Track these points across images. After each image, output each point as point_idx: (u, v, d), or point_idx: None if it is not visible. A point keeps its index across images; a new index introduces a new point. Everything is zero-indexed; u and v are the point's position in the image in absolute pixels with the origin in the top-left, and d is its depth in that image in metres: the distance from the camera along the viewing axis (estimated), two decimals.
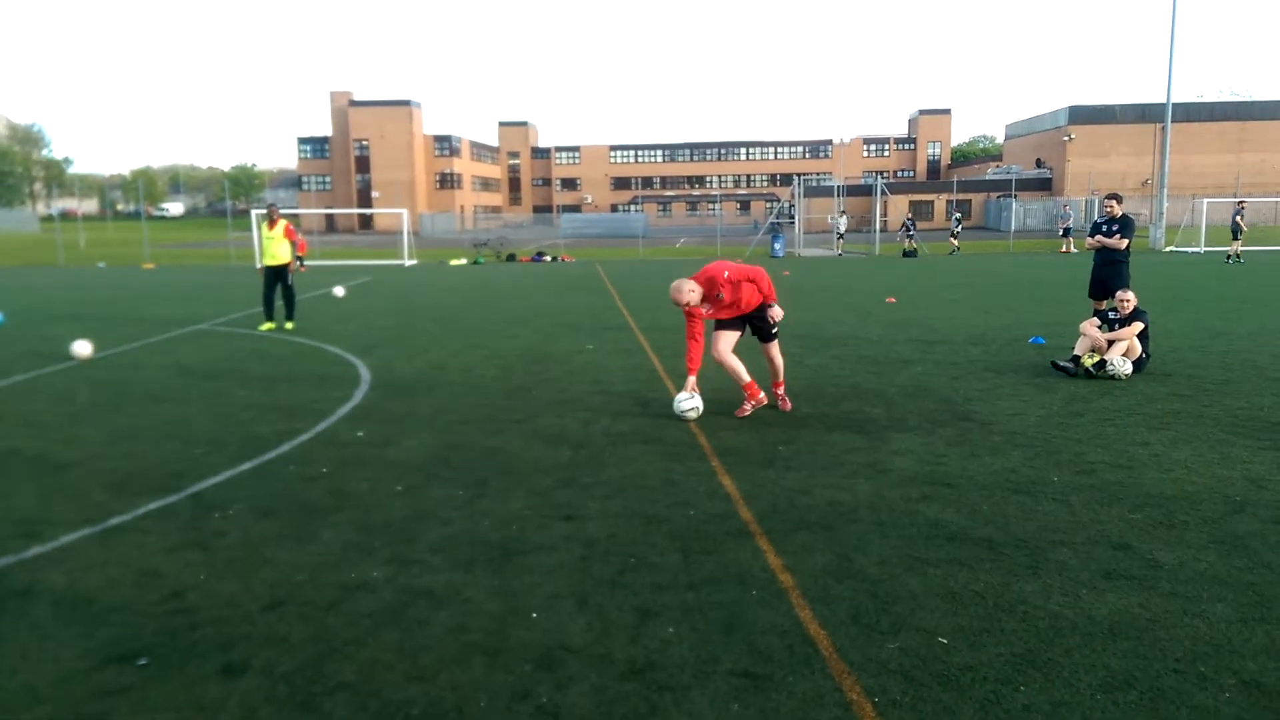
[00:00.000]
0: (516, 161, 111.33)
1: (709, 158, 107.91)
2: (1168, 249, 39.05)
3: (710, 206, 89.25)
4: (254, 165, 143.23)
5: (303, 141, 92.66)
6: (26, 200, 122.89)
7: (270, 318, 15.28)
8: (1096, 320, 9.92)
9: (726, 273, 7.72)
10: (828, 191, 65.25)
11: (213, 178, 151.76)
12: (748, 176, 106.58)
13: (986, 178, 73.50)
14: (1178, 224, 44.46)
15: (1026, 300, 18.10)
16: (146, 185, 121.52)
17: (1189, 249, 38.20)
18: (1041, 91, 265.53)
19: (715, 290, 7.72)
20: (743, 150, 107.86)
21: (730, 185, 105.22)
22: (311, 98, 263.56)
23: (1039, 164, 72.40)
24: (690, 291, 7.66)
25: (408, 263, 37.85)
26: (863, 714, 3.24)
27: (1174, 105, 42.90)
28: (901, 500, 5.57)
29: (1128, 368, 9.28)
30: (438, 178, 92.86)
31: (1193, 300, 17.42)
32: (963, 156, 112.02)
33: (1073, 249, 37.73)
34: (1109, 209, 11.21)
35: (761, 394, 8.10)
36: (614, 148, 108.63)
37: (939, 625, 3.89)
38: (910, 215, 44.14)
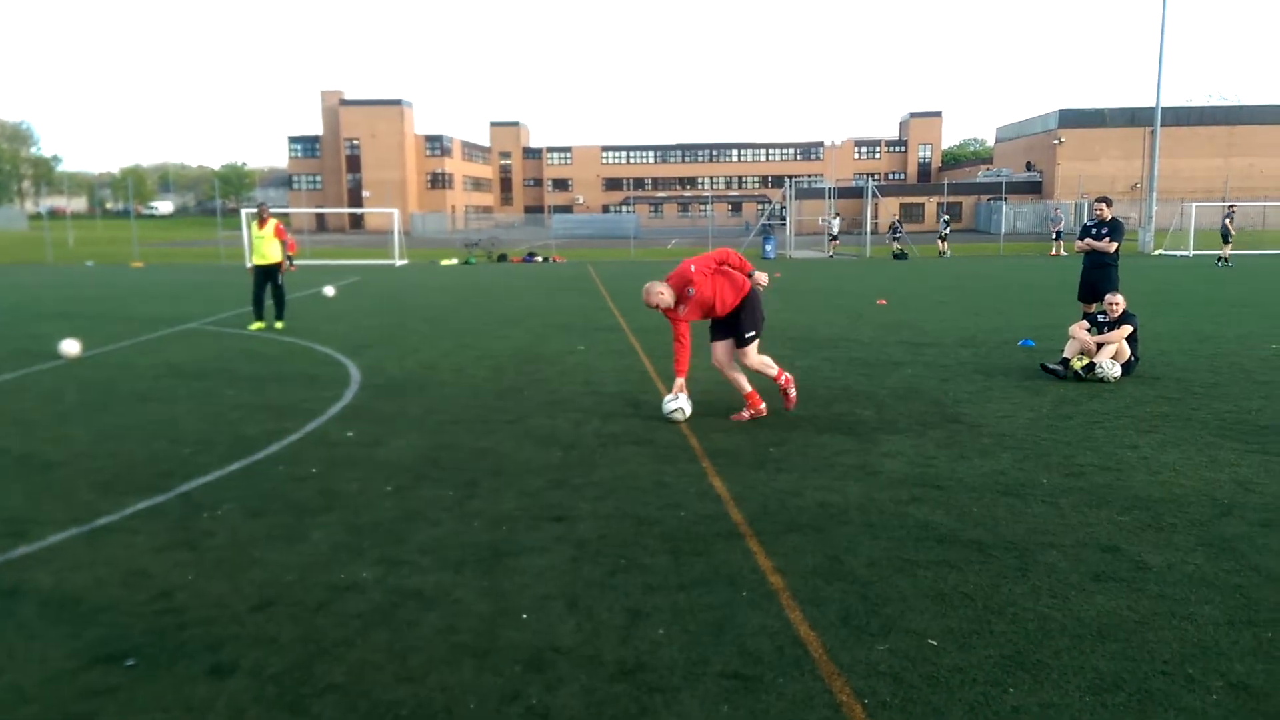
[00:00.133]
0: (508, 162, 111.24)
1: (701, 159, 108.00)
2: (1157, 252, 39.24)
3: (702, 208, 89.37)
4: (244, 164, 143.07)
5: (293, 140, 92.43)
6: (15, 198, 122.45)
7: (260, 317, 15.23)
8: (1085, 323, 9.96)
9: (693, 267, 7.64)
10: (819, 193, 65.37)
11: (202, 176, 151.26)
12: (739, 178, 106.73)
13: (977, 180, 73.74)
14: (1167, 228, 44.66)
15: (1016, 303, 18.17)
16: (136, 183, 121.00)
17: (1178, 252, 38.40)
18: (1032, 95, 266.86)
19: (686, 288, 7.65)
20: (734, 152, 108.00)
21: (722, 187, 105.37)
22: (302, 97, 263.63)
23: (1029, 167, 72.68)
24: (659, 293, 7.64)
25: (398, 263, 37.78)
26: (852, 715, 3.24)
27: (1163, 109, 43.13)
28: (891, 502, 5.59)
29: (1116, 371, 9.32)
30: (429, 177, 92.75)
31: (1181, 304, 17.51)
32: (953, 159, 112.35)
33: (1062, 251, 37.88)
34: (1098, 212, 11.27)
35: (763, 405, 7.92)
36: (606, 148, 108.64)
37: (928, 627, 3.90)
38: (897, 218, 44.21)
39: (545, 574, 4.56)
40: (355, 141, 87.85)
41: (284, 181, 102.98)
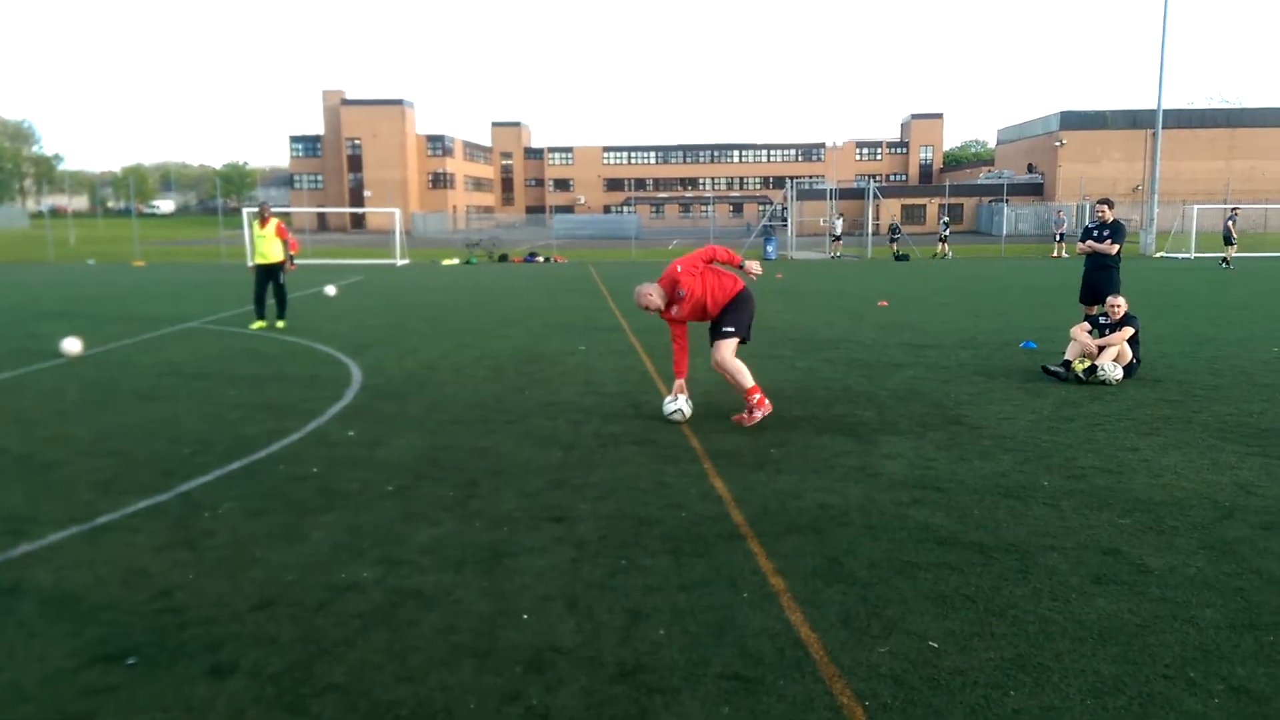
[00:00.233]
0: (509, 162, 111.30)
1: (702, 160, 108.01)
2: (1158, 255, 39.24)
3: (703, 208, 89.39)
4: (246, 163, 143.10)
5: (295, 140, 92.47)
6: (16, 196, 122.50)
7: (261, 316, 15.23)
8: (1087, 325, 9.96)
9: (680, 267, 7.62)
10: (820, 194, 65.41)
11: (204, 175, 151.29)
12: (740, 179, 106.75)
13: (978, 182, 73.76)
14: (1168, 230, 44.65)
15: (1017, 305, 18.16)
16: (137, 182, 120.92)
17: (1179, 255, 38.40)
18: (1033, 97, 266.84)
19: (675, 289, 7.63)
20: (736, 153, 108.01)
21: (723, 187, 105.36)
22: (304, 96, 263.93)
23: (1030, 169, 72.66)
24: (649, 295, 7.64)
25: (400, 262, 37.79)
26: (853, 717, 3.24)
27: (1165, 112, 43.10)
28: (892, 504, 5.58)
29: (1118, 373, 9.31)
30: (430, 177, 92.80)
31: (1183, 306, 17.50)
32: (955, 161, 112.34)
33: (1063, 253, 37.88)
34: (1100, 214, 11.26)
35: (768, 403, 7.72)
36: (607, 149, 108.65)
37: (929, 629, 3.90)
38: (895, 219, 44.22)
39: (545, 574, 4.55)
40: (357, 141, 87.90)
41: (285, 181, 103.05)
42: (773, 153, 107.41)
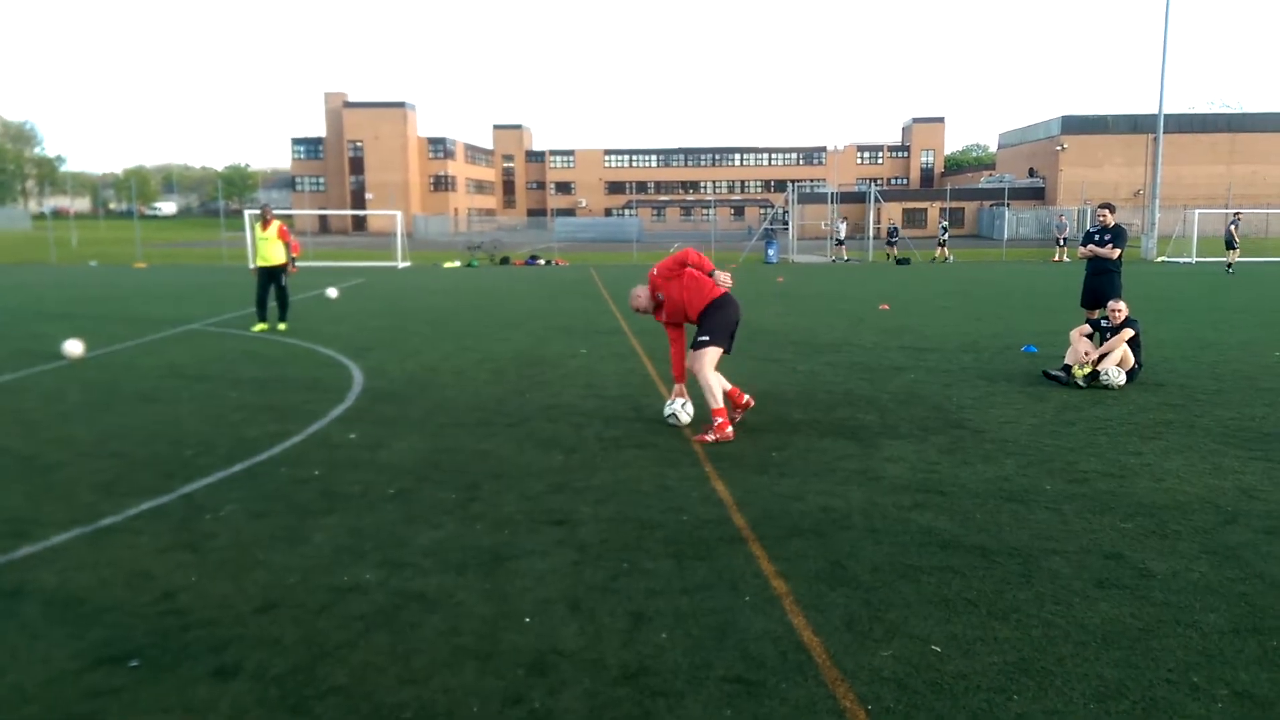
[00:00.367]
0: (511, 165, 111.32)
1: (703, 163, 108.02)
2: (1159, 259, 39.23)
3: (704, 212, 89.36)
4: (247, 165, 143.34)
5: (296, 142, 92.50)
6: (18, 198, 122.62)
7: (263, 318, 15.24)
8: (1087, 328, 9.95)
9: (654, 270, 7.57)
10: (822, 198, 65.40)
11: (206, 177, 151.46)
12: (742, 182, 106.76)
13: (980, 186, 73.73)
14: (1169, 234, 44.65)
15: (1019, 309, 18.16)
16: (139, 184, 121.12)
17: (1180, 259, 38.39)
18: (1035, 101, 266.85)
19: (656, 292, 7.60)
20: (737, 156, 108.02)
21: (724, 191, 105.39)
22: (306, 99, 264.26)
23: (1032, 173, 72.66)
24: (638, 297, 7.68)
25: (401, 265, 37.80)
26: None
27: (1166, 116, 43.12)
28: (894, 507, 5.58)
29: (1121, 378, 9.30)
30: (432, 180, 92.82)
31: (1184, 310, 17.50)
32: (956, 165, 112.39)
33: (1065, 258, 37.88)
34: (1101, 218, 11.24)
35: (730, 431, 7.27)
36: (608, 152, 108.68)
37: (932, 633, 3.89)
38: (893, 223, 44.25)
39: (547, 577, 4.55)
40: (358, 143, 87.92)
41: (287, 183, 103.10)
42: (774, 156, 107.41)
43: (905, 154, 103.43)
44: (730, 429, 7.31)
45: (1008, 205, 56.23)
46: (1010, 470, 6.37)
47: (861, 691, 3.43)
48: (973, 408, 8.47)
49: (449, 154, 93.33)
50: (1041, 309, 17.97)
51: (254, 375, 10.55)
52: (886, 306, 18.52)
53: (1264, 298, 20.31)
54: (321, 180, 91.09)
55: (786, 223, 50.26)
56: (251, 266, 15.85)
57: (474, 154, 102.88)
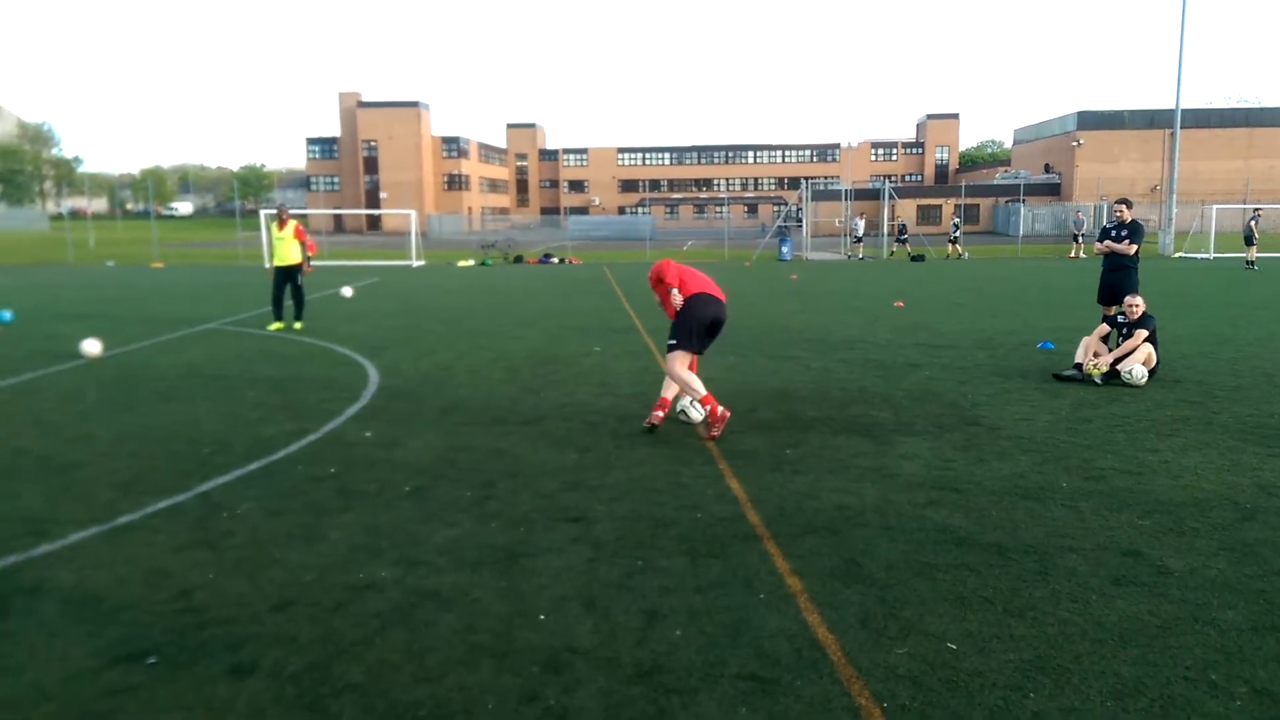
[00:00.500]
0: (524, 163, 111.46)
1: (716, 161, 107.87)
2: (1176, 255, 38.95)
3: (718, 209, 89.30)
4: (263, 165, 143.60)
5: (311, 142, 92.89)
6: (36, 199, 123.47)
7: (279, 318, 15.31)
8: (1105, 328, 9.86)
9: (649, 274, 7.61)
10: (835, 195, 65.21)
11: (222, 178, 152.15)
12: (755, 180, 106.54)
13: (995, 182, 73.40)
14: (1187, 230, 44.33)
15: (1035, 305, 18.07)
16: (156, 185, 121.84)
17: (1198, 255, 38.10)
18: (1050, 97, 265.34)
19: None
20: (750, 153, 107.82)
21: (737, 188, 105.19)
22: (320, 98, 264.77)
23: (1047, 169, 72.29)
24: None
25: (415, 264, 37.91)
26: (871, 719, 3.23)
27: (1183, 111, 42.82)
28: (909, 505, 5.56)
29: (1144, 376, 9.19)
30: (445, 179, 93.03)
31: (1201, 306, 17.37)
32: (970, 161, 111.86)
33: (1081, 254, 37.66)
34: (1119, 214, 11.17)
35: (720, 408, 7.22)
36: (621, 150, 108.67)
37: (948, 630, 3.88)
38: (901, 220, 44.11)
39: (562, 575, 4.56)
40: (373, 143, 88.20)
41: (302, 183, 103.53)
42: (787, 153, 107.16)
43: (920, 150, 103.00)
44: (722, 408, 7.24)
45: (1023, 201, 55.91)
46: (1026, 467, 6.34)
47: (877, 689, 3.42)
48: (988, 405, 8.44)
49: (463, 153, 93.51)
50: (1058, 305, 17.86)
51: (270, 374, 10.60)
52: (901, 304, 18.45)
53: None
54: (336, 180, 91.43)
55: (800, 220, 50.12)
56: (268, 266, 15.92)
57: (487, 153, 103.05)
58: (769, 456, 6.71)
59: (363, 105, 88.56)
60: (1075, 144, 66.65)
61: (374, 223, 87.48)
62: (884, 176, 79.78)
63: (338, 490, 6.00)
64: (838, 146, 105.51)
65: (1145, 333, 9.45)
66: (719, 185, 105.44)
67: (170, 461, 6.76)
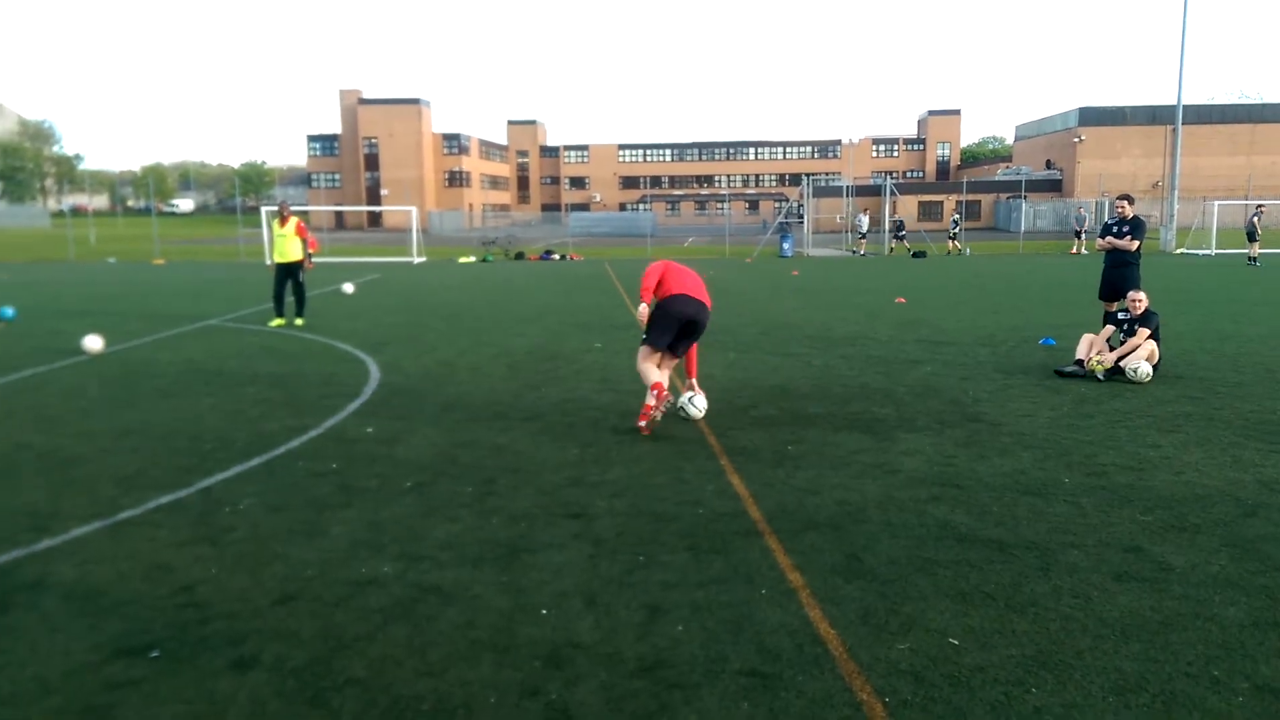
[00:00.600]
0: (525, 160, 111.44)
1: (717, 157, 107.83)
2: (1178, 251, 38.91)
3: (719, 206, 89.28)
4: (264, 162, 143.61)
5: (312, 139, 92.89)
6: (38, 196, 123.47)
7: (280, 314, 15.32)
8: (1109, 330, 9.84)
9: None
10: (836, 191, 65.19)
11: (223, 175, 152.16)
12: (756, 176, 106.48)
13: (996, 179, 73.33)
14: (1188, 226, 44.28)
15: (1036, 301, 18.05)
16: (157, 181, 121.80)
17: (1199, 251, 38.06)
18: (1051, 93, 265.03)
19: None
20: (751, 150, 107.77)
21: (739, 185, 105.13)
22: (321, 96, 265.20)
23: (1049, 165, 72.24)
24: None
25: (416, 260, 37.90)
26: (873, 714, 3.23)
27: (1185, 107, 42.75)
28: (911, 501, 5.56)
29: (1149, 373, 9.16)
30: (446, 176, 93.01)
31: (1203, 302, 17.35)
32: (972, 157, 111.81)
33: (1083, 250, 37.62)
34: (1120, 210, 11.16)
35: (651, 404, 7.36)
36: (622, 147, 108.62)
37: (949, 626, 3.88)
38: (898, 217, 44.12)
39: (564, 570, 4.56)
40: (373, 140, 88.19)
41: (303, 180, 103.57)
42: (789, 150, 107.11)
43: (921, 147, 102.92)
44: (655, 409, 7.33)
45: (1025, 198, 55.89)
46: (1028, 463, 6.33)
47: (878, 684, 3.42)
48: (990, 401, 8.43)
49: (463, 150, 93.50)
50: (1059, 302, 17.85)
51: (271, 370, 10.60)
52: (903, 300, 18.44)
53: None
54: (337, 177, 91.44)
55: (801, 216, 50.11)
56: (269, 263, 15.92)
57: (488, 150, 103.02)
58: (770, 452, 6.71)
59: (364, 102, 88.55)
60: (1077, 140, 66.60)
61: (375, 219, 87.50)
62: (885, 173, 79.67)
63: (339, 486, 6.00)
64: (839, 143, 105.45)
65: (1148, 331, 9.44)
66: (720, 182, 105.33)
67: (172, 457, 6.77)
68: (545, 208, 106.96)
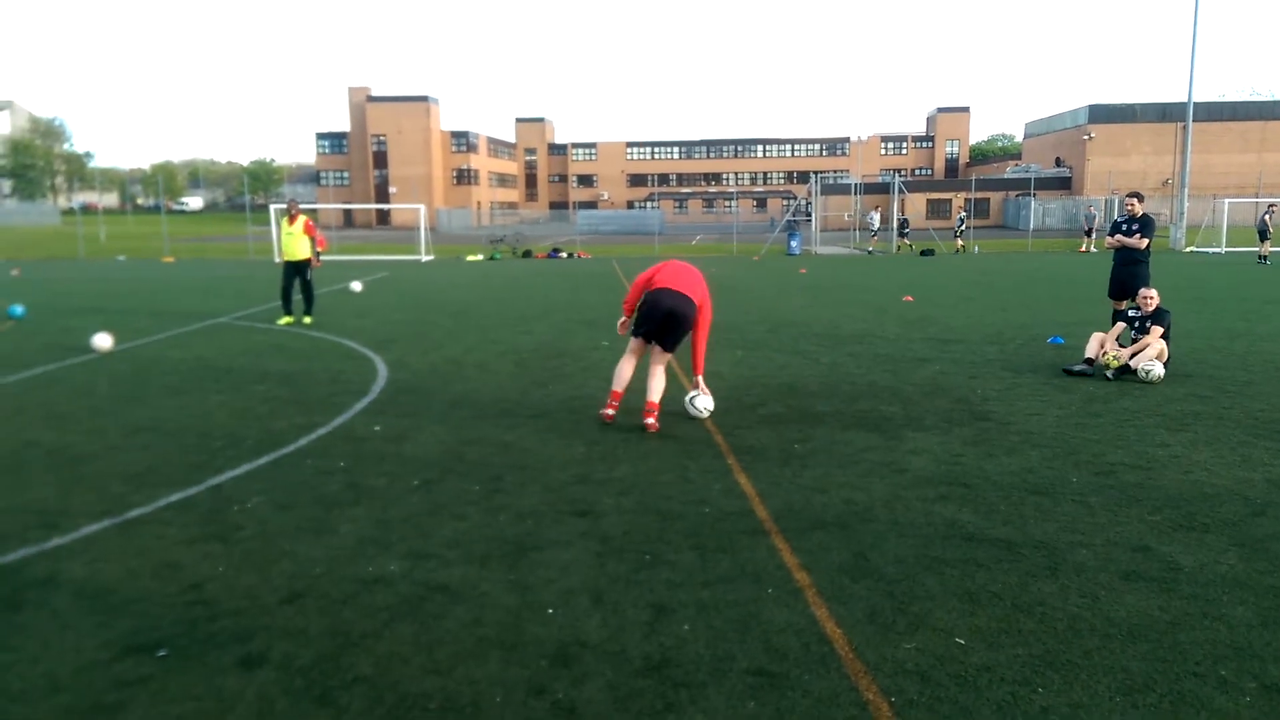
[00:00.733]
0: (533, 158, 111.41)
1: (725, 155, 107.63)
2: (1188, 249, 38.73)
3: (727, 204, 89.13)
4: (273, 160, 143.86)
5: (321, 137, 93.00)
6: (48, 193, 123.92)
7: (289, 312, 15.35)
8: (1121, 327, 9.80)
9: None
10: (845, 189, 65.00)
11: (232, 172, 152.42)
12: (764, 174, 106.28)
13: (1005, 176, 73.06)
14: (1198, 224, 44.08)
15: (1045, 299, 17.99)
16: (166, 179, 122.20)
17: (1210, 249, 37.87)
18: (1061, 90, 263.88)
19: None
20: (759, 147, 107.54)
21: (747, 183, 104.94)
22: (330, 93, 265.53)
23: (1058, 163, 71.92)
24: None
25: (424, 258, 37.95)
26: (879, 714, 3.23)
27: (1195, 104, 42.53)
28: (918, 500, 5.55)
29: (1161, 372, 9.13)
30: (455, 173, 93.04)
31: (1213, 301, 17.27)
32: (981, 155, 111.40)
33: (1092, 248, 37.48)
34: (1130, 208, 11.12)
35: (612, 413, 7.63)
36: (630, 144, 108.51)
37: (956, 625, 3.88)
38: (903, 216, 44.02)
39: (570, 569, 4.57)
40: (382, 138, 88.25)
41: (312, 178, 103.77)
42: (797, 147, 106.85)
43: (930, 144, 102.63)
44: (608, 412, 7.61)
45: (1034, 195, 55.68)
46: (1035, 462, 6.32)
47: (885, 684, 3.42)
48: (998, 399, 8.41)
49: (471, 147, 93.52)
50: (1068, 300, 17.79)
51: (280, 368, 10.63)
52: (911, 298, 18.40)
53: None
54: (346, 174, 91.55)
55: (809, 214, 50.04)
56: (277, 261, 15.95)
57: (496, 147, 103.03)
58: (777, 451, 6.71)
59: (372, 100, 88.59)
60: (1086, 138, 66.29)
61: (383, 217, 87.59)
62: (894, 170, 79.51)
63: (347, 484, 6.02)
64: (847, 140, 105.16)
65: (1161, 329, 9.39)
66: (728, 180, 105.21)
67: (181, 455, 6.80)
68: (553, 205, 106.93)
